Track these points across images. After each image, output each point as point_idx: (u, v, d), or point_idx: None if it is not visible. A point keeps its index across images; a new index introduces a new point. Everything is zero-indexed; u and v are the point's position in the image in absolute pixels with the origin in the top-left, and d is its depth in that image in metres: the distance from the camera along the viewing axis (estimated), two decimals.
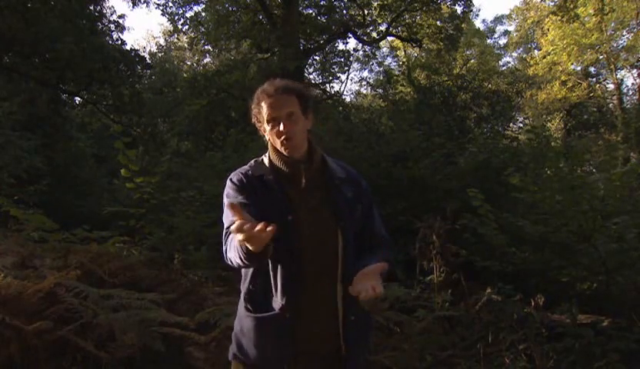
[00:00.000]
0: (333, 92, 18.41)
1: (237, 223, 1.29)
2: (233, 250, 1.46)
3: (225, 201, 1.65)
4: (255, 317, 1.62)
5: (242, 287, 1.70)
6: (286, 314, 1.57)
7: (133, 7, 17.76)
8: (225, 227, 1.58)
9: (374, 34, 17.87)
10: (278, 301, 1.58)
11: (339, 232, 1.63)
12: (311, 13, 16.86)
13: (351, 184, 1.74)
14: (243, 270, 1.67)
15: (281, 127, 1.63)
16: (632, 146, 14.63)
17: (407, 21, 17.34)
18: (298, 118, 1.66)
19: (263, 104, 1.67)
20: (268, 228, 1.28)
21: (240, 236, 1.30)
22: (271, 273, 1.60)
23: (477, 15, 33.67)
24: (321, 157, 1.74)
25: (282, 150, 1.66)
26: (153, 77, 19.85)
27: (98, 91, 14.52)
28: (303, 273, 1.58)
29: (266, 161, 1.73)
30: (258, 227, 1.28)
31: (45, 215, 5.13)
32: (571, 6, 16.85)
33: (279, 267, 1.59)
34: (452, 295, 4.43)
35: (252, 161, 1.76)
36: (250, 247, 1.34)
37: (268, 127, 1.68)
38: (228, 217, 1.58)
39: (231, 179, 1.69)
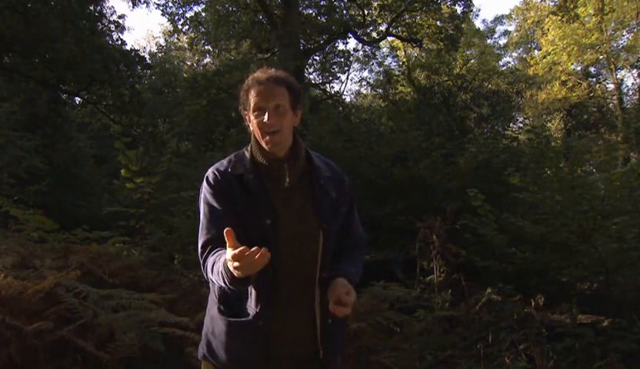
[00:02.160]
0: (333, 92, 18.47)
1: (234, 252, 1.24)
2: (216, 276, 1.40)
3: (202, 207, 1.58)
4: (228, 321, 1.56)
5: (213, 285, 1.61)
6: (259, 322, 1.51)
7: (133, 7, 17.86)
8: (201, 245, 1.53)
9: (374, 34, 17.90)
10: (252, 308, 1.52)
11: (321, 235, 1.56)
12: (311, 13, 16.90)
13: (335, 182, 1.66)
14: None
15: (266, 117, 1.53)
16: (632, 146, 14.61)
17: (407, 21, 17.37)
18: (286, 112, 1.56)
19: (252, 91, 1.58)
20: (262, 252, 1.22)
21: (235, 264, 1.25)
22: None
23: (477, 15, 33.87)
24: (305, 154, 1.64)
25: (263, 143, 1.56)
26: (153, 77, 19.88)
27: (98, 92, 14.49)
28: (280, 278, 1.50)
29: (248, 154, 1.62)
30: (257, 254, 1.22)
31: (45, 215, 5.12)
32: (571, 6, 16.87)
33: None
34: (452, 295, 4.44)
35: (232, 156, 1.65)
36: (236, 274, 1.28)
37: (252, 117, 1.58)
38: (204, 229, 1.54)
39: (207, 178, 1.60)
